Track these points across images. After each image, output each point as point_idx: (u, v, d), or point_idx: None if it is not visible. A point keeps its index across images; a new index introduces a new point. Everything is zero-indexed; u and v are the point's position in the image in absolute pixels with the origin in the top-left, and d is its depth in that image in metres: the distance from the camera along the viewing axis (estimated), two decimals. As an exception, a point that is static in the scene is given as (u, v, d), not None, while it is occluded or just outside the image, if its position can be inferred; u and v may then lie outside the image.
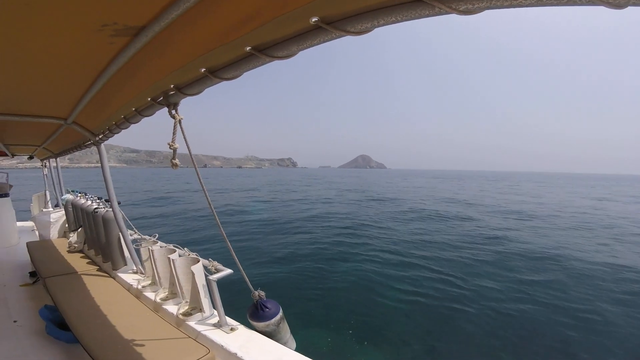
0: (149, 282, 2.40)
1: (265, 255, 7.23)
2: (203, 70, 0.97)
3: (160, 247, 2.29)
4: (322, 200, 20.15)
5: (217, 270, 1.83)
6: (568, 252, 7.96)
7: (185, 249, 2.16)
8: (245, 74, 0.94)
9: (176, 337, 1.70)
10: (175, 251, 2.18)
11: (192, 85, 1.10)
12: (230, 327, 1.75)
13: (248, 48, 0.81)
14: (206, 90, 1.12)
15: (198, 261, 1.90)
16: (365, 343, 3.74)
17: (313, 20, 0.65)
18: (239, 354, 1.52)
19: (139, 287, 2.35)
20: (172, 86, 1.17)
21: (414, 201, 20.40)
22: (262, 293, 1.82)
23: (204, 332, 1.71)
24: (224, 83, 1.00)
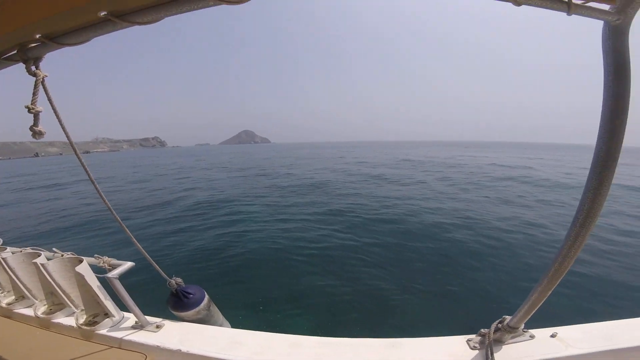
0: (14, 297, 1.81)
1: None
2: (103, 14, 0.73)
3: (13, 252, 1.73)
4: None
5: (112, 266, 1.50)
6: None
7: (53, 249, 1.70)
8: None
9: (95, 351, 1.37)
10: (39, 254, 1.69)
11: (81, 31, 0.81)
12: (155, 324, 1.50)
13: None
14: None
15: (81, 261, 1.53)
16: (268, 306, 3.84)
17: None
18: (184, 350, 1.32)
19: (3, 305, 1.75)
20: (38, 36, 0.84)
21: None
22: (179, 280, 1.62)
23: (127, 338, 1.42)
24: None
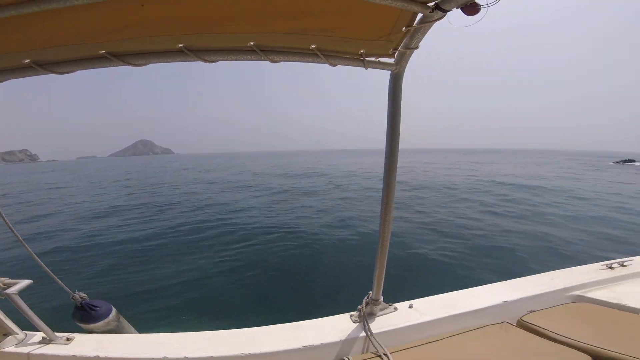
0: None
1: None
2: (27, 61, 0.82)
3: None
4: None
5: (8, 285, 1.47)
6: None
7: None
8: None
9: None
10: None
11: (1, 74, 0.88)
12: (65, 337, 1.45)
13: (103, 51, 0.81)
14: None
15: None
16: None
17: (179, 45, 0.81)
18: (103, 355, 1.29)
19: None
20: None
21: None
22: (83, 294, 1.62)
23: (35, 352, 1.35)
24: None
